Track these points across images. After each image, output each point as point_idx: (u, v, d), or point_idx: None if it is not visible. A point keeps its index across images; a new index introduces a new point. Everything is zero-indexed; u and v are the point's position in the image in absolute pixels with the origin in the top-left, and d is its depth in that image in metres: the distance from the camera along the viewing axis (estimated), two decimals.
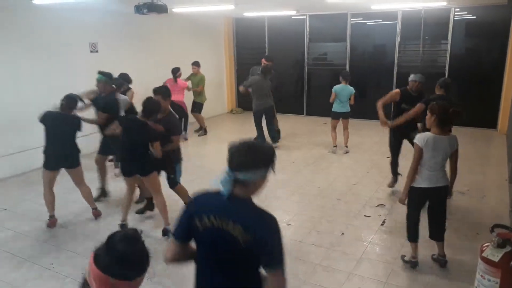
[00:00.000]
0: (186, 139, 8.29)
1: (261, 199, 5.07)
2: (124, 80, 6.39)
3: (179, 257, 1.87)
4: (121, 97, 5.63)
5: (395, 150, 5.40)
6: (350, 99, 7.06)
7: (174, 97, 8.36)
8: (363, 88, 10.25)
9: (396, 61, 9.34)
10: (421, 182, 3.50)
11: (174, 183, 4.58)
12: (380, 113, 5.10)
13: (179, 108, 8.47)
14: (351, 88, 7.06)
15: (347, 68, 9.87)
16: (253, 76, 7.67)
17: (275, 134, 7.76)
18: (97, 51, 7.39)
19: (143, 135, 4.05)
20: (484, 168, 6.43)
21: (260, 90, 7.42)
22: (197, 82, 8.67)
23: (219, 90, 11.00)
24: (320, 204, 5.14)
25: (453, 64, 8.86)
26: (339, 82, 7.09)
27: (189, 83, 8.66)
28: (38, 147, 6.55)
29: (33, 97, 6.44)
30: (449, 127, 3.47)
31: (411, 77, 5.11)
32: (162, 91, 4.40)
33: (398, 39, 9.22)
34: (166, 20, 8.80)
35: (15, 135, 6.30)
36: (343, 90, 7.01)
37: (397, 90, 5.20)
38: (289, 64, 10.73)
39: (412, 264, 3.68)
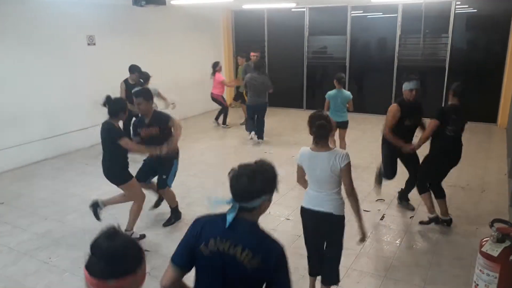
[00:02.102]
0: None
1: None
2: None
3: (176, 285, 1.74)
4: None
5: (389, 164, 4.66)
6: (347, 105, 6.15)
7: (213, 91, 8.60)
8: (363, 81, 10.23)
9: (396, 54, 9.29)
10: (303, 201, 3.00)
11: (164, 184, 4.37)
12: (396, 140, 4.33)
13: (218, 101, 8.66)
14: (348, 93, 6.11)
15: (347, 62, 9.82)
16: (247, 75, 7.57)
17: (261, 132, 7.61)
18: (94, 44, 7.33)
19: (106, 136, 3.83)
20: (484, 163, 6.41)
21: (253, 87, 7.28)
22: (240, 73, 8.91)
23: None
24: None
25: (454, 57, 8.82)
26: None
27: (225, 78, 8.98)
28: (35, 141, 6.57)
29: (30, 91, 6.40)
30: (323, 141, 2.81)
31: (408, 85, 4.29)
32: (143, 93, 4.19)
33: (398, 32, 9.16)
34: (164, 12, 8.73)
35: (12, 129, 6.26)
36: (337, 96, 6.04)
37: (395, 105, 4.37)
38: (289, 58, 10.66)
39: None
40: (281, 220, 4.54)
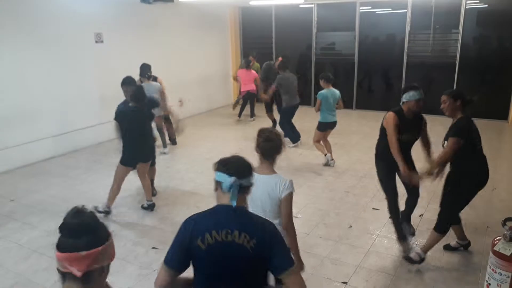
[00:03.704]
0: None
1: None
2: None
3: (168, 285, 1.75)
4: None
5: (390, 188, 3.84)
6: (337, 104, 6.04)
7: (248, 87, 8.60)
8: (371, 78, 10.15)
9: (405, 50, 9.19)
10: None
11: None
12: (403, 162, 3.52)
13: (252, 96, 8.68)
14: (337, 91, 6.03)
15: (356, 58, 9.75)
16: (279, 75, 7.17)
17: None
18: (102, 41, 7.35)
19: (147, 118, 4.64)
20: (495, 160, 6.31)
21: (289, 86, 7.04)
22: (256, 71, 8.89)
23: (225, 81, 10.92)
24: (328, 196, 5.10)
25: (464, 54, 8.71)
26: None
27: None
28: (44, 139, 6.62)
29: (39, 89, 6.44)
30: (269, 162, 2.48)
31: (415, 94, 3.54)
32: (126, 80, 4.83)
33: (408, 28, 9.06)
34: (171, 9, 8.73)
35: (21, 127, 6.30)
36: (326, 96, 5.91)
37: (392, 114, 3.60)
38: (297, 54, 10.61)
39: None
40: None
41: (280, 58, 7.52)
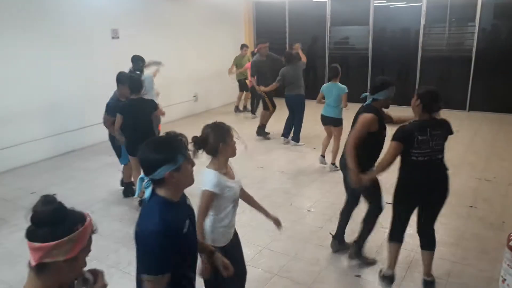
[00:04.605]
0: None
1: (281, 186, 5.07)
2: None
3: None
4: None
5: (354, 200, 3.66)
6: (341, 101, 5.64)
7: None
8: (385, 72, 10.06)
9: (420, 45, 9.07)
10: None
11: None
12: (355, 162, 3.20)
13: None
14: (342, 86, 5.60)
15: (370, 52, 9.68)
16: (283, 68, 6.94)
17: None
18: (118, 37, 7.45)
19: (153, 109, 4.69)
20: None
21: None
22: (246, 62, 8.91)
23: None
24: (341, 190, 5.04)
25: (481, 47, 8.57)
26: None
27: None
28: (65, 132, 6.77)
29: (58, 85, 6.58)
30: (212, 157, 2.38)
31: (391, 91, 3.39)
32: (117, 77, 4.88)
33: (423, 22, 8.95)
34: (185, 5, 8.79)
35: (43, 120, 6.47)
36: (330, 89, 5.67)
37: (373, 115, 3.27)
38: (310, 49, 10.57)
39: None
40: (303, 212, 4.55)
41: (297, 45, 7.20)
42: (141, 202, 4.70)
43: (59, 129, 6.71)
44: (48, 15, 6.36)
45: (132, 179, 5.00)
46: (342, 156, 3.53)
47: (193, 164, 1.81)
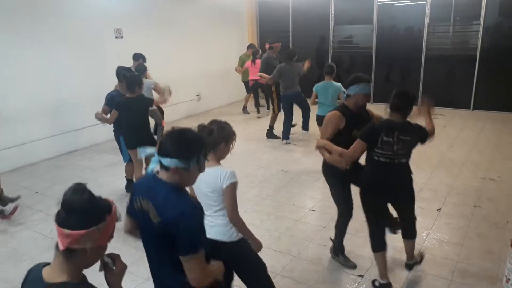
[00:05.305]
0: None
1: (284, 185, 5.07)
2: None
3: (132, 231, 1.99)
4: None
5: (347, 202, 3.41)
6: (337, 99, 5.56)
7: (255, 77, 8.53)
8: (389, 71, 10.03)
9: (424, 43, 9.03)
10: None
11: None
12: (333, 147, 3.05)
13: (267, 87, 8.64)
14: (337, 84, 5.58)
15: (374, 51, 9.65)
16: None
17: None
18: (122, 37, 7.47)
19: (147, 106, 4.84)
20: None
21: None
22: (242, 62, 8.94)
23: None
24: None
25: (485, 45, 8.51)
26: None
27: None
28: (69, 132, 6.80)
29: (62, 83, 6.61)
30: (213, 154, 2.35)
31: (365, 88, 3.13)
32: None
33: (427, 20, 8.90)
34: (189, 4, 8.80)
35: (47, 120, 6.51)
36: (325, 88, 5.63)
37: (336, 113, 3.15)
38: (314, 48, 10.55)
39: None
40: (306, 211, 4.55)
41: (308, 61, 7.09)
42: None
43: (63, 128, 6.75)
44: (51, 15, 6.38)
45: (134, 177, 5.01)
46: (323, 169, 3.48)
47: (202, 171, 1.83)
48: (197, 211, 1.76)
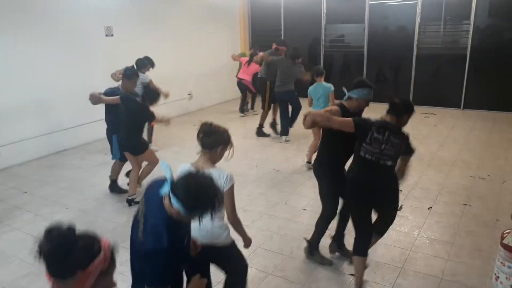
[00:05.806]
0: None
1: (276, 184, 5.05)
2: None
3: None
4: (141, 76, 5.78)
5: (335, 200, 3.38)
6: (328, 100, 5.62)
7: (245, 77, 8.44)
8: (381, 70, 10.07)
9: (415, 42, 9.09)
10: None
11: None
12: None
13: (248, 88, 8.62)
14: (328, 85, 5.63)
15: (365, 50, 9.69)
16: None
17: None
18: (112, 35, 7.40)
19: (138, 110, 4.57)
20: (506, 153, 6.26)
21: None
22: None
23: (234, 73, 10.92)
24: None
25: (475, 45, 8.59)
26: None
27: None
28: (58, 131, 6.72)
29: (52, 81, 6.52)
30: (206, 156, 2.39)
31: (368, 93, 3.17)
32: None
33: (418, 19, 8.96)
34: (180, 2, 8.75)
35: (35, 119, 6.41)
36: (316, 90, 5.69)
37: (336, 107, 3.21)
38: (306, 46, 10.56)
39: None
40: (298, 211, 4.55)
41: (308, 74, 6.94)
42: (129, 202, 4.71)
43: (52, 128, 6.66)
44: (41, 13, 6.29)
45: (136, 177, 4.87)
46: (317, 165, 3.49)
47: (200, 222, 1.80)
48: (172, 251, 1.72)
